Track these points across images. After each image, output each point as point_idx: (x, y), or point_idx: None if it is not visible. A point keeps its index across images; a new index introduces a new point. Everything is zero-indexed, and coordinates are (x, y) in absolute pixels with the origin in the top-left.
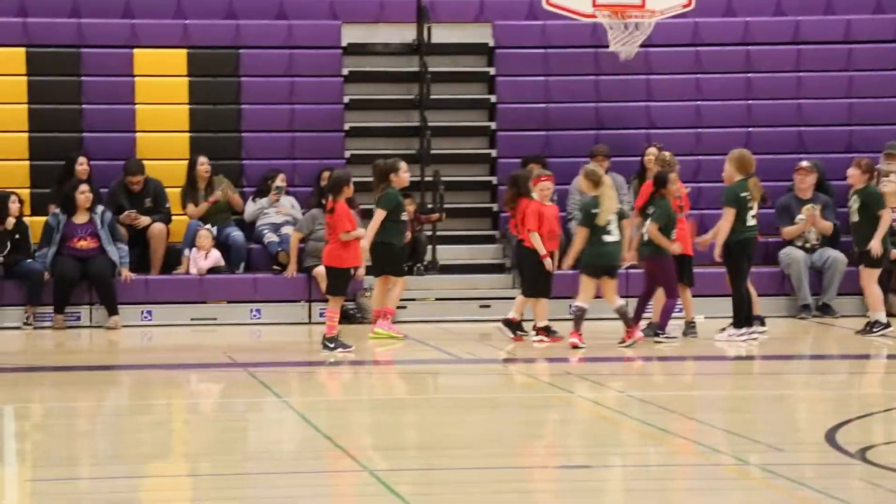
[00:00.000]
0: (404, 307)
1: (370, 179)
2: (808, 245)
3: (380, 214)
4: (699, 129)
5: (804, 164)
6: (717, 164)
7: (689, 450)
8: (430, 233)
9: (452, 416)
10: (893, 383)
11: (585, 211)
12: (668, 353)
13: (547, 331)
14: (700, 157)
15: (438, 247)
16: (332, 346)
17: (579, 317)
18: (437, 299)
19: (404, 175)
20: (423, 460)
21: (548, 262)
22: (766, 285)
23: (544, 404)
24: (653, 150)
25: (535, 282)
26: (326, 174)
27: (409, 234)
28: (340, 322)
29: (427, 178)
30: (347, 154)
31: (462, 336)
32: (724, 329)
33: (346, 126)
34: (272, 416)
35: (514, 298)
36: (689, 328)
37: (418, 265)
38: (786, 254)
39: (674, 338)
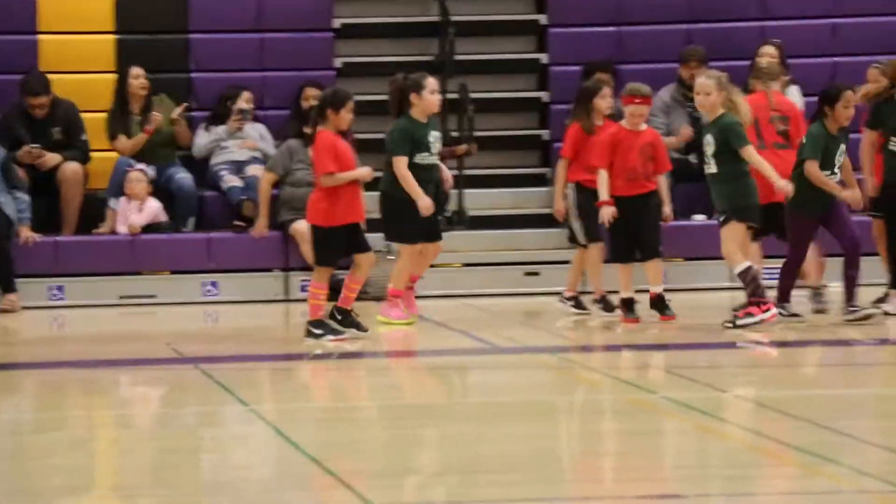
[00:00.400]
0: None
1: (377, 98)
2: None
3: (398, 162)
4: (835, 20)
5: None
6: (859, 68)
7: (823, 471)
8: (455, 172)
9: (487, 427)
10: None
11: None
12: (792, 338)
13: (627, 306)
14: (837, 59)
15: (467, 192)
16: (318, 331)
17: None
18: (464, 265)
19: (430, 97)
20: (448, 490)
21: (606, 212)
22: None
23: (616, 410)
24: (769, 48)
25: (609, 242)
26: (311, 92)
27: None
28: (333, 296)
29: (450, 96)
30: (338, 63)
31: (500, 316)
32: (882, 300)
33: (336, 23)
34: (236, 432)
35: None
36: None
37: (438, 218)
38: None
39: (796, 315)
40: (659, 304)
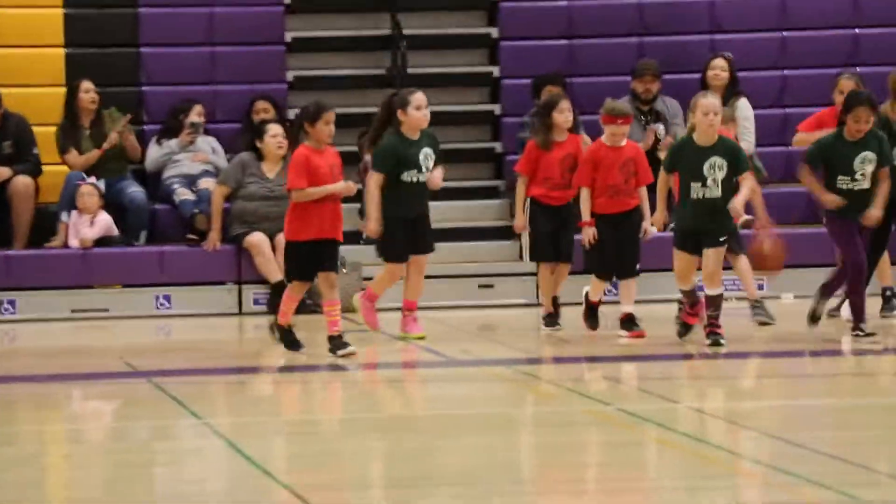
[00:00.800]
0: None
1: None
2: None
3: (374, 179)
4: (785, 33)
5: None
6: (807, 82)
7: (778, 482)
8: None
9: (443, 440)
10: None
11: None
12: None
13: (627, 323)
14: (786, 72)
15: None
16: (277, 335)
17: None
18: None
19: (415, 113)
20: (404, 502)
21: (587, 232)
22: None
23: (572, 422)
24: (720, 62)
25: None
26: (261, 105)
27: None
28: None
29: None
30: (290, 76)
31: (455, 328)
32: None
33: (288, 36)
34: (189, 445)
35: (525, 275)
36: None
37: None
38: None
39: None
40: (628, 323)
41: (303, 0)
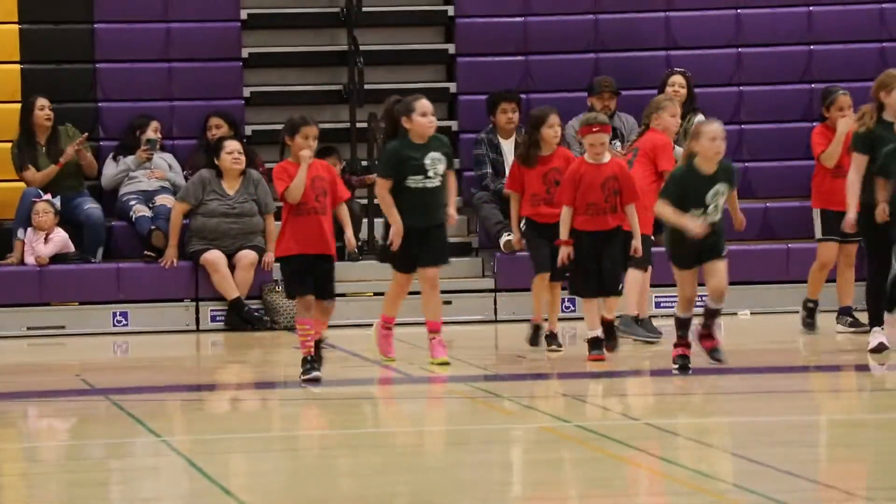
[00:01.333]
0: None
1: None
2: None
3: (379, 185)
4: (741, 49)
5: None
6: (764, 97)
7: (738, 500)
8: (364, 200)
9: (400, 458)
10: None
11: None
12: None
13: (593, 344)
14: (742, 88)
15: (377, 220)
16: (304, 368)
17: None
18: (376, 294)
19: (420, 120)
20: None
21: (563, 252)
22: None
23: (530, 439)
24: (677, 78)
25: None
26: (215, 121)
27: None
28: (245, 327)
29: (360, 124)
30: (246, 92)
31: (413, 345)
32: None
33: (245, 52)
34: (147, 463)
35: (484, 291)
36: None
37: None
38: None
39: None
40: (609, 330)
41: (259, 16)
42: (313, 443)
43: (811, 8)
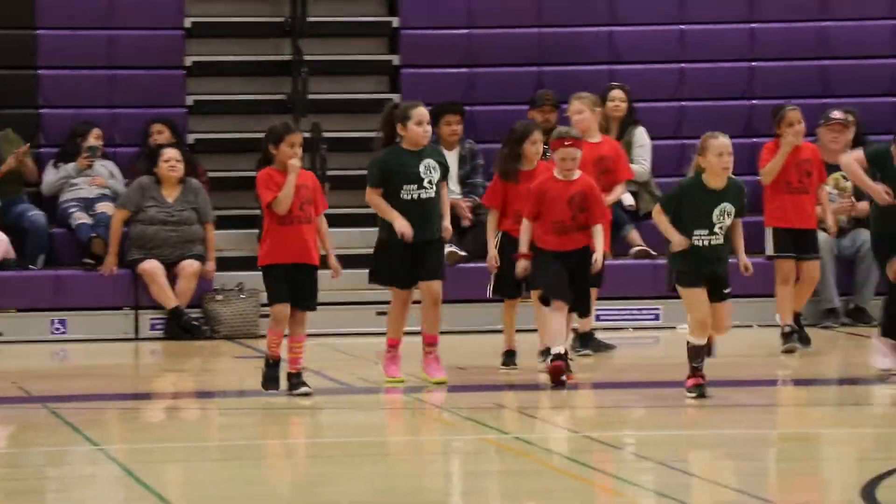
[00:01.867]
0: (264, 315)
1: (228, 136)
2: (833, 227)
3: (370, 193)
4: (683, 64)
5: (836, 114)
6: (705, 113)
7: None
8: None
9: (338, 467)
10: None
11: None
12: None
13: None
14: (684, 103)
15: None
16: (292, 383)
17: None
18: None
19: (415, 129)
20: None
21: (520, 265)
22: (770, 284)
23: (468, 451)
24: (617, 92)
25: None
26: (156, 128)
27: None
28: (184, 336)
29: (303, 134)
30: (189, 100)
31: (352, 355)
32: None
33: (188, 60)
34: (84, 472)
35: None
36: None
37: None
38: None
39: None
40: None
41: (203, 24)
42: (251, 452)
43: (753, 25)
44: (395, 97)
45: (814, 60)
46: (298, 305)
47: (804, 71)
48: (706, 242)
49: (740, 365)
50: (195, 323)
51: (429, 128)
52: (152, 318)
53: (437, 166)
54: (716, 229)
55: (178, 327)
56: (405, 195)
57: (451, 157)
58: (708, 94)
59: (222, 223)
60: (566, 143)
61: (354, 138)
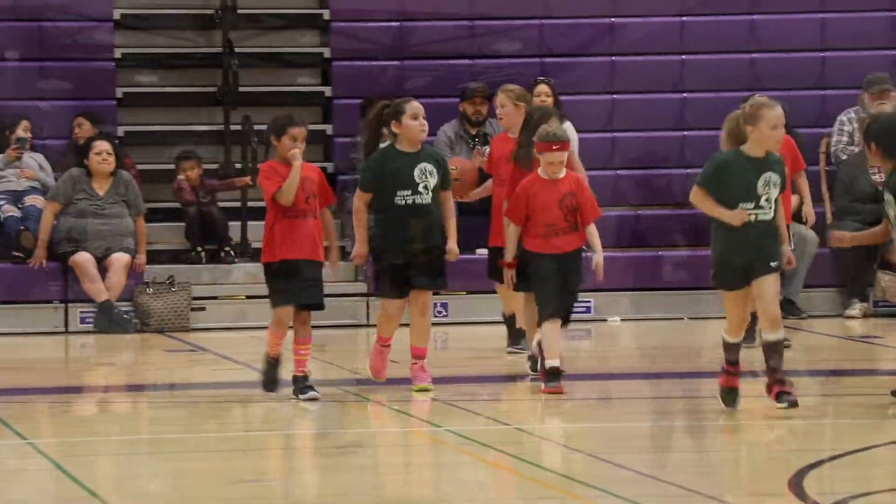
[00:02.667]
0: (202, 308)
1: (157, 128)
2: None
3: (358, 198)
4: (614, 57)
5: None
6: (637, 105)
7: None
8: (237, 203)
9: (273, 461)
10: (877, 410)
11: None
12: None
13: (553, 374)
14: (616, 96)
15: (250, 223)
16: (299, 387)
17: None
18: (248, 297)
19: (412, 123)
20: None
21: (506, 275)
22: (702, 276)
23: (401, 444)
24: (543, 87)
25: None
26: (79, 121)
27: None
28: (115, 330)
29: (234, 127)
30: (119, 92)
31: (285, 348)
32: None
33: (118, 52)
34: (13, 466)
35: (357, 296)
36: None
37: (224, 251)
38: None
39: None
40: (550, 375)
41: (132, 16)
42: (181, 446)
43: (684, 18)
44: (327, 89)
45: (743, 54)
46: (304, 306)
47: (733, 64)
48: (753, 217)
49: (656, 357)
50: (126, 316)
51: (425, 122)
52: (82, 312)
53: (433, 170)
54: (762, 202)
55: (109, 321)
56: (399, 201)
57: None
58: (639, 88)
59: (152, 216)
60: (554, 148)
61: None
